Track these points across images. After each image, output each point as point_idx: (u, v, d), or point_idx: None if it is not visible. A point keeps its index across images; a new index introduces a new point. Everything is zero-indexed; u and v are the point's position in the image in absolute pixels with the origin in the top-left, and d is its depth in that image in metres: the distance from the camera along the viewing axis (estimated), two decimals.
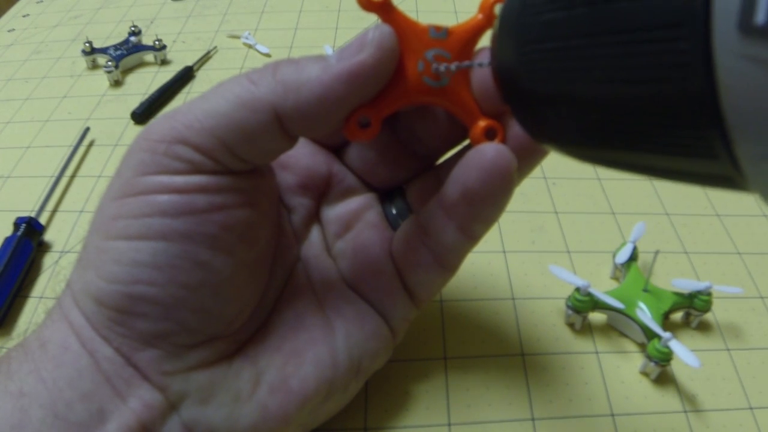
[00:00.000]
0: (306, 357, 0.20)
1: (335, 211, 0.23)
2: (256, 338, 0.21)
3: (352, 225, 0.23)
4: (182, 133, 0.17)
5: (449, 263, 0.21)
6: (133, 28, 0.48)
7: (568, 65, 0.13)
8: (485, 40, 0.19)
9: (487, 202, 0.19)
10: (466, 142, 0.22)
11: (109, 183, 0.19)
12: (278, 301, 0.22)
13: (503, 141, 0.19)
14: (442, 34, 0.19)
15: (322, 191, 0.23)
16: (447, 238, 0.20)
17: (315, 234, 0.23)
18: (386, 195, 0.24)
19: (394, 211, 0.23)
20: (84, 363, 0.18)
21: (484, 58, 0.19)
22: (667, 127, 0.12)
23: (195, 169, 0.18)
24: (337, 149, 0.24)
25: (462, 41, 0.19)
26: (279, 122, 0.17)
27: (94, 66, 0.47)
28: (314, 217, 0.23)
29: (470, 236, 0.20)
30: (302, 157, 0.23)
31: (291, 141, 0.19)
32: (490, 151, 0.18)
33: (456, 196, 0.19)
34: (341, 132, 0.19)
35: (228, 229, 0.18)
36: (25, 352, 0.19)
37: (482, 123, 0.19)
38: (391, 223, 0.23)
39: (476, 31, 0.19)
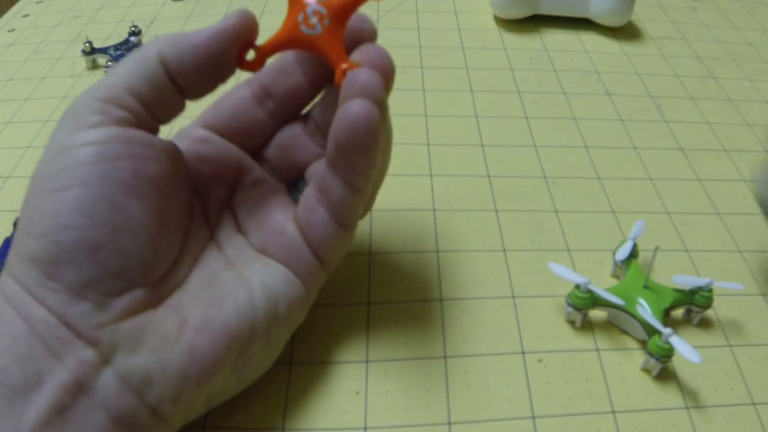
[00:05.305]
0: (225, 301, 0.22)
1: (244, 196, 0.26)
2: (177, 292, 0.23)
3: (261, 205, 0.26)
4: (97, 90, 0.22)
5: (343, 219, 0.24)
6: (133, 28, 0.48)
7: None
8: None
9: (357, 151, 0.22)
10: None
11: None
12: (194, 269, 0.24)
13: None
14: None
15: (232, 182, 0.26)
16: (335, 192, 0.23)
17: (227, 218, 0.26)
18: (293, 183, 0.28)
19: (298, 195, 0.26)
20: (19, 330, 0.19)
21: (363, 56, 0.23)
22: None
23: (108, 121, 0.21)
24: (252, 152, 0.27)
25: (339, 5, 0.23)
26: (167, 69, 0.22)
27: (94, 66, 0.47)
28: (226, 203, 0.26)
29: (354, 189, 0.23)
30: (217, 151, 0.26)
31: (181, 94, 0.23)
32: (354, 107, 0.21)
33: (333, 152, 0.22)
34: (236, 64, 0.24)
35: (138, 177, 0.21)
36: None
37: (343, 65, 0.23)
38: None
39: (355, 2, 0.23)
